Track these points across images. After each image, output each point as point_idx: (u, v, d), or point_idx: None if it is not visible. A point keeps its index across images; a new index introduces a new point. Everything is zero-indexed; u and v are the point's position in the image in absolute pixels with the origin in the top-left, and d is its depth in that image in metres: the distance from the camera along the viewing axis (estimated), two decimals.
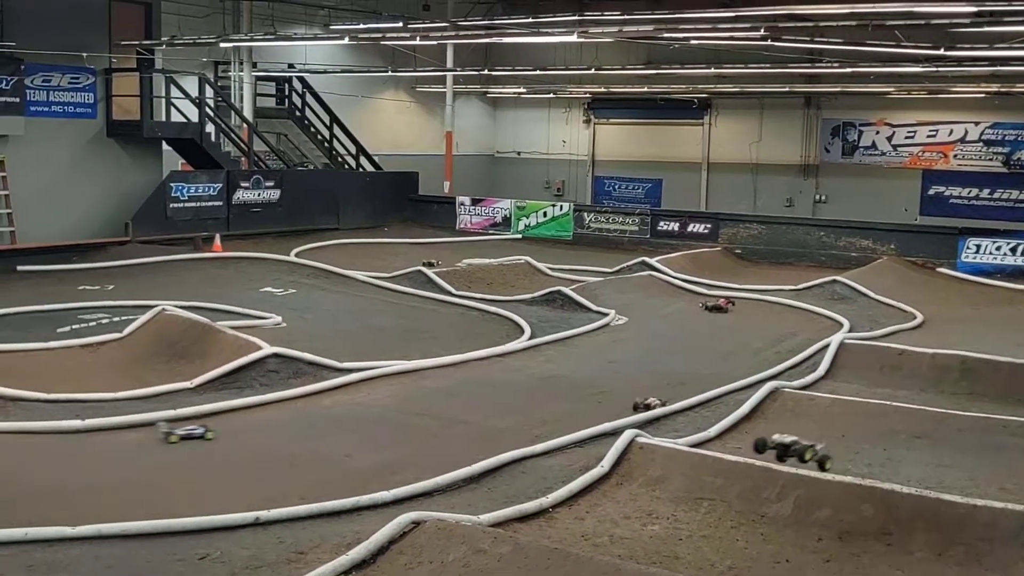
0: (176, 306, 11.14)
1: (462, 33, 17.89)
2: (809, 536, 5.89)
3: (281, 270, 15.69)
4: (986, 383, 9.55)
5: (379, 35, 18.32)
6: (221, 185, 19.14)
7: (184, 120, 18.95)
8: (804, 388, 9.47)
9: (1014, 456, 7.53)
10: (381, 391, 9.22)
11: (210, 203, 18.95)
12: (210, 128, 19.83)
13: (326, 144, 24.45)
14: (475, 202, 23.36)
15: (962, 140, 24.61)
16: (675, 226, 21.26)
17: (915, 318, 13.48)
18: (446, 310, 13.59)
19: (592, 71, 22.99)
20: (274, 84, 24.00)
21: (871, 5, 13.09)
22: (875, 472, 6.97)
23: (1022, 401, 9.09)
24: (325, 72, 23.80)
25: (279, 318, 12.15)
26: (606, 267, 17.47)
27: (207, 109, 19.57)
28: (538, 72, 24.17)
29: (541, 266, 16.82)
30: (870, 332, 12.28)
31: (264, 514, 5.90)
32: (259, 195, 19.86)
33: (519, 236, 22.12)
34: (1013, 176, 24.03)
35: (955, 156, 24.73)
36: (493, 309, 13.40)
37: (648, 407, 8.56)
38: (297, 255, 17.05)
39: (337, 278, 15.26)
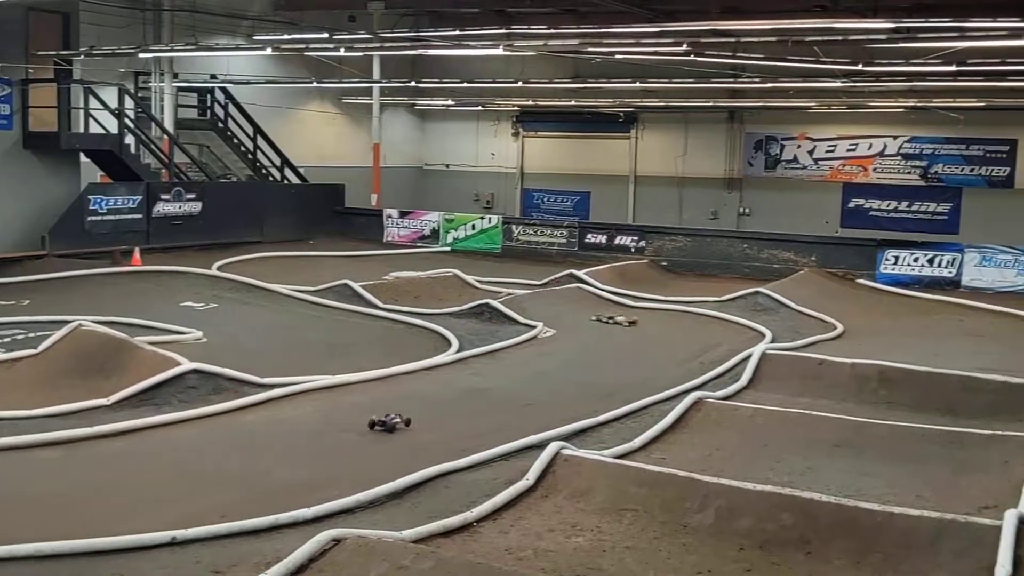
0: (94, 321, 10.90)
1: (387, 45, 17.83)
2: (731, 545, 5.93)
3: (202, 284, 15.44)
4: (904, 392, 9.73)
5: (303, 46, 18.17)
6: (141, 197, 18.81)
7: (103, 131, 18.59)
8: (727, 398, 9.56)
9: (931, 464, 7.67)
10: (304, 407, 9.10)
11: (129, 216, 18.61)
12: (130, 140, 19.48)
13: (250, 156, 24.16)
14: (403, 215, 23.26)
15: (881, 154, 25.14)
16: (603, 238, 21.38)
17: (835, 328, 13.71)
18: (372, 324, 13.48)
19: (520, 84, 23.05)
20: (196, 95, 23.63)
21: (791, 21, 13.33)
22: (796, 481, 7.05)
23: (939, 409, 9.27)
24: (248, 83, 23.52)
25: (200, 333, 11.95)
26: (534, 280, 17.49)
27: (126, 120, 19.22)
28: (466, 85, 24.17)
29: (469, 279, 16.79)
30: (792, 343, 12.45)
31: (181, 533, 5.78)
32: (180, 208, 19.55)
33: (447, 249, 22.07)
34: (930, 189, 24.62)
35: (874, 169, 25.26)
36: (420, 322, 13.34)
37: (384, 424, 8.35)
38: (219, 269, 16.78)
39: (261, 292, 15.05)
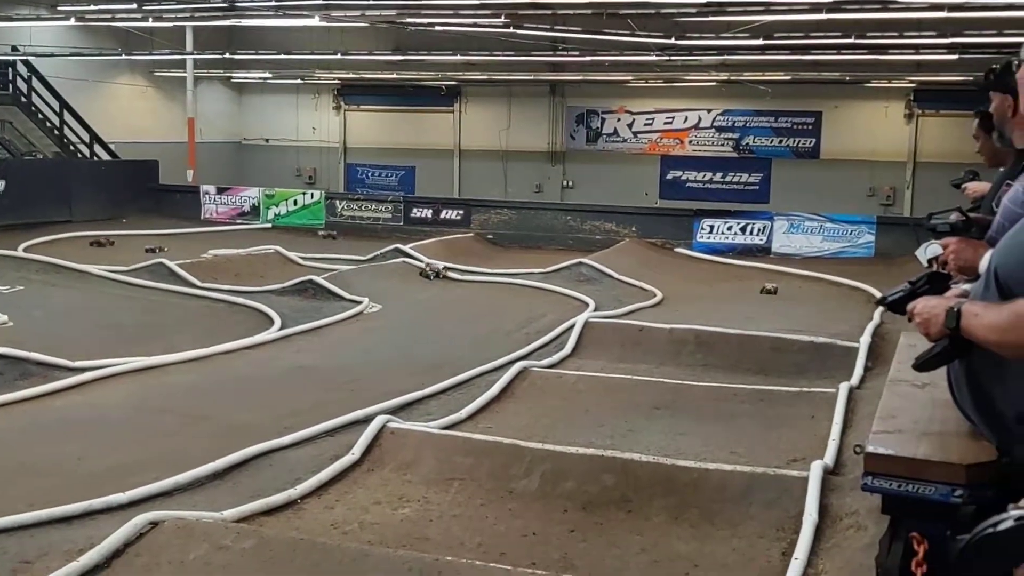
0: None
1: (200, 15, 17.27)
2: (555, 508, 6.03)
3: (7, 266, 14.62)
4: (718, 354, 10.10)
5: (109, 16, 17.40)
6: None
7: None
8: (552, 367, 9.71)
9: (744, 422, 7.98)
10: (118, 390, 8.74)
11: None
12: None
13: (56, 132, 23.02)
14: (221, 191, 22.63)
15: (696, 127, 25.97)
16: (428, 213, 21.38)
17: (655, 296, 14.10)
18: (191, 303, 13.07)
19: (340, 56, 22.73)
20: None
21: None
22: (617, 443, 7.21)
23: (751, 370, 9.67)
24: (53, 55, 22.35)
25: (4, 317, 11.30)
26: (360, 255, 17.33)
27: None
28: (284, 57, 23.66)
29: (292, 255, 16.49)
30: (614, 311, 12.74)
31: None
32: None
33: (269, 225, 21.61)
34: (742, 160, 25.60)
35: (690, 142, 26.08)
36: (241, 301, 13.01)
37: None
38: (26, 250, 15.95)
39: (71, 273, 14.36)
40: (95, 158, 23.36)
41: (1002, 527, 1.72)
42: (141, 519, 5.25)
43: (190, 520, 5.32)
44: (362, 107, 29.27)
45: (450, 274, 14.42)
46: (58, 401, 8.35)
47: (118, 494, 5.96)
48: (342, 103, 29.26)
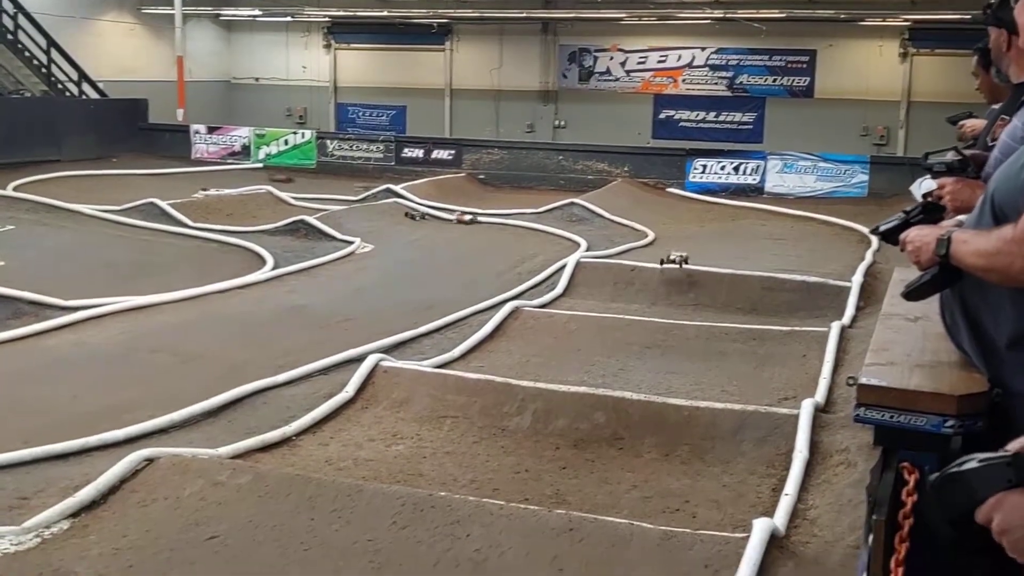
0: None
1: None
2: (547, 446, 6.09)
3: None
4: (710, 294, 10.13)
5: None
6: None
7: None
8: (543, 306, 9.73)
9: (734, 360, 8.03)
10: (112, 329, 8.75)
11: None
12: None
13: (44, 70, 22.73)
14: (211, 130, 22.45)
15: (690, 65, 25.73)
16: (420, 153, 21.26)
17: (647, 236, 14.10)
18: (183, 243, 13.03)
19: None
20: None
21: None
22: (609, 382, 7.27)
23: (742, 309, 9.72)
24: None
25: None
26: (351, 195, 17.26)
27: None
28: None
29: (284, 195, 16.42)
30: (605, 251, 12.75)
31: None
32: None
33: (260, 165, 21.48)
34: (736, 99, 25.42)
35: (684, 81, 25.86)
36: (234, 240, 12.98)
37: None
38: (15, 189, 15.85)
39: (62, 213, 14.28)
40: (83, 96, 23.10)
41: (966, 467, 1.74)
42: (137, 456, 5.29)
43: (186, 457, 5.36)
44: (352, 46, 28.95)
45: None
46: (51, 340, 8.36)
47: (114, 431, 6.00)
48: (332, 42, 28.92)
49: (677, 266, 9.93)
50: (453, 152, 21.02)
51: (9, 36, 22.35)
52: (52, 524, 4.80)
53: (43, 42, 22.57)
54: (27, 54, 22.60)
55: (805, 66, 24.77)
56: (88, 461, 5.66)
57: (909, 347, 2.87)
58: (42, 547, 4.64)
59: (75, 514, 4.90)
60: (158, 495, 5.01)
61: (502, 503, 4.93)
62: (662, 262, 10.25)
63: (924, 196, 3.45)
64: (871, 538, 2.43)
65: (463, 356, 8.09)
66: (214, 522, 4.76)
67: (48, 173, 17.96)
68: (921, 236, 2.69)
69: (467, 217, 15.05)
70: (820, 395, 6.68)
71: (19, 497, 5.19)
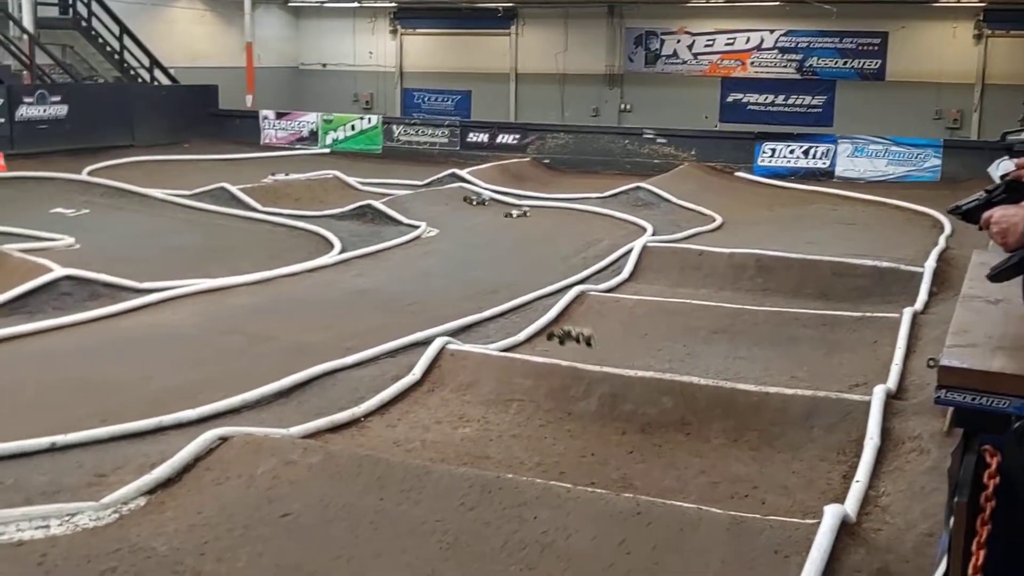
0: None
1: None
2: (614, 430, 6.08)
3: (72, 189, 14.85)
4: (779, 279, 10.03)
5: None
6: (2, 101, 17.91)
7: None
8: (609, 291, 9.71)
9: (804, 346, 7.95)
10: (184, 311, 8.92)
11: None
12: None
13: (117, 56, 23.15)
14: (280, 116, 22.71)
15: (758, 48, 25.41)
16: (485, 137, 21.29)
17: (714, 221, 13.98)
18: (252, 227, 13.22)
19: None
20: None
21: None
22: (676, 367, 7.24)
23: (812, 295, 9.60)
24: None
25: (72, 239, 11.55)
26: (416, 180, 17.35)
27: None
28: None
29: (351, 180, 16.56)
30: (672, 235, 12.66)
31: (61, 439, 5.64)
32: (45, 111, 18.69)
33: (327, 150, 21.69)
34: (805, 82, 25.05)
35: (752, 63, 25.54)
36: (302, 225, 13.13)
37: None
38: (90, 174, 16.17)
39: (135, 197, 14.56)
40: (155, 83, 23.49)
41: None
42: (211, 435, 5.39)
43: (258, 436, 5.45)
44: (418, 31, 29.05)
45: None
46: (126, 322, 8.55)
47: (188, 411, 6.13)
48: (398, 27, 29.05)
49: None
50: (518, 136, 21.02)
51: (83, 23, 22.78)
52: (129, 500, 4.92)
53: (116, 29, 22.97)
54: (100, 41, 23.03)
55: (877, 48, 24.31)
56: (163, 439, 5.79)
57: (990, 329, 2.81)
58: (120, 523, 4.75)
59: (151, 491, 5.01)
60: (232, 473, 5.10)
61: (569, 486, 4.93)
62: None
63: (1002, 177, 3.37)
64: (952, 521, 2.39)
65: (528, 340, 8.10)
66: (286, 500, 4.83)
67: (122, 158, 18.32)
68: (1007, 216, 2.63)
69: (515, 213, 14.85)
70: (892, 381, 6.59)
71: (97, 474, 5.32)
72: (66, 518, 4.74)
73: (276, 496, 4.87)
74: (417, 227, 13.00)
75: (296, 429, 5.77)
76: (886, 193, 16.47)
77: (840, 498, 4.90)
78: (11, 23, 20.35)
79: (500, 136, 21.16)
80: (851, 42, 24.49)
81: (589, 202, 15.39)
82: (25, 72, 19.70)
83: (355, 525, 4.65)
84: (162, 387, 6.87)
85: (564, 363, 6.80)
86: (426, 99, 28.76)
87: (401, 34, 29.13)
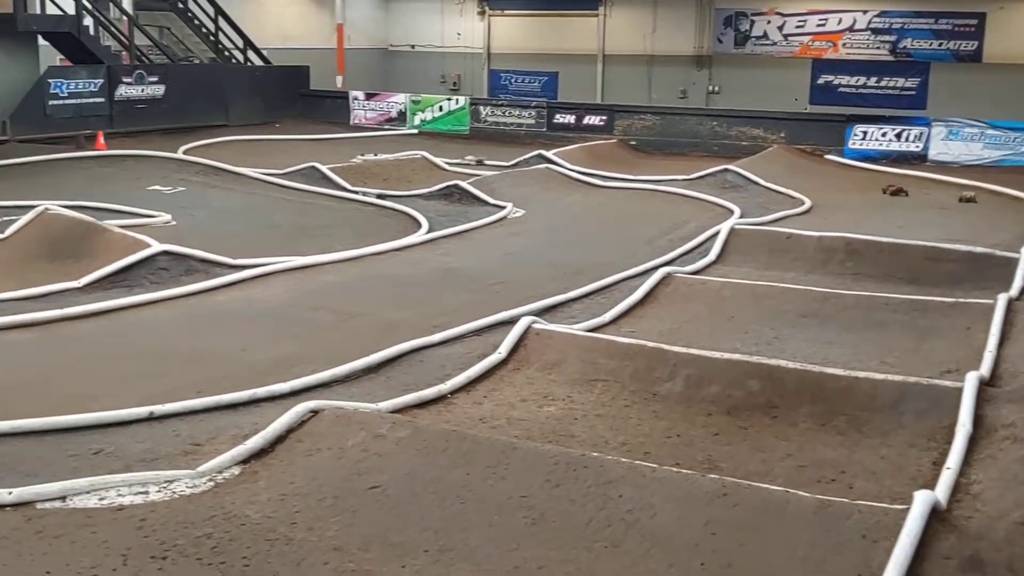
0: (60, 206, 10.78)
1: None
2: (699, 412, 6.08)
3: (169, 168, 15.25)
4: (869, 263, 9.87)
5: None
6: (102, 81, 18.42)
7: (60, 13, 18.08)
8: (696, 273, 9.66)
9: (894, 331, 7.82)
10: (276, 287, 9.12)
11: (91, 100, 18.26)
12: (88, 21, 18.96)
13: (212, 38, 23.61)
14: (369, 97, 22.95)
15: (850, 29, 24.89)
16: (571, 119, 21.25)
17: (803, 204, 13.79)
18: (341, 206, 13.42)
19: None
20: None
21: None
22: (762, 350, 7.18)
23: (903, 279, 9.43)
24: None
25: (168, 216, 11.87)
26: (503, 161, 17.42)
27: (84, 1, 18.68)
28: None
29: (438, 160, 16.69)
30: (760, 218, 12.53)
31: (159, 408, 5.85)
32: (143, 91, 19.19)
33: (415, 131, 21.88)
34: (899, 64, 24.47)
35: (843, 45, 25.03)
36: (390, 204, 13.30)
37: None
38: (185, 152, 16.57)
39: (228, 175, 14.90)
40: (248, 63, 23.92)
41: None
42: (303, 407, 5.53)
43: (348, 410, 5.57)
44: (506, 12, 29.05)
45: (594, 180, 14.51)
46: (220, 296, 8.78)
47: (280, 384, 6.29)
48: (486, 8, 29.09)
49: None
50: (605, 118, 20.94)
51: (180, 5, 23.28)
52: (224, 469, 5.08)
53: (211, 11, 23.42)
54: (196, 22, 23.51)
55: (974, 29, 23.63)
56: (257, 411, 5.95)
57: None
58: (215, 491, 4.91)
59: (245, 461, 5.16)
60: (322, 445, 5.23)
61: (654, 466, 4.95)
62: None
63: None
64: None
65: (614, 321, 8.11)
66: (375, 473, 4.94)
67: (216, 137, 18.74)
68: None
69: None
70: (985, 368, 6.46)
71: (193, 443, 5.50)
72: (164, 484, 4.91)
73: (365, 468, 4.98)
74: (503, 207, 13.07)
75: (384, 404, 5.88)
76: (981, 177, 16.05)
77: (930, 485, 4.84)
78: (111, 5, 20.90)
79: (587, 117, 21.11)
80: (947, 23, 23.84)
81: (676, 184, 15.29)
82: (124, 53, 20.22)
83: (442, 499, 4.73)
84: (255, 360, 7.05)
85: (650, 344, 6.80)
86: (513, 80, 28.77)
87: (489, 15, 29.16)
